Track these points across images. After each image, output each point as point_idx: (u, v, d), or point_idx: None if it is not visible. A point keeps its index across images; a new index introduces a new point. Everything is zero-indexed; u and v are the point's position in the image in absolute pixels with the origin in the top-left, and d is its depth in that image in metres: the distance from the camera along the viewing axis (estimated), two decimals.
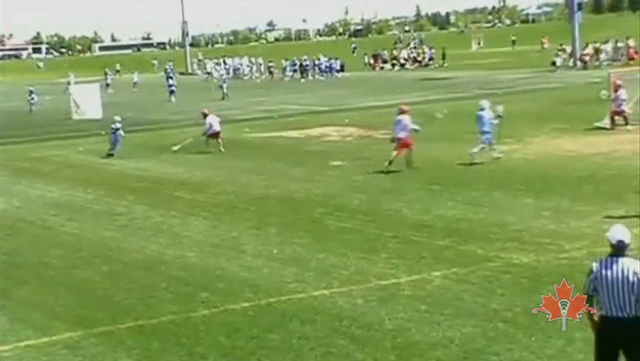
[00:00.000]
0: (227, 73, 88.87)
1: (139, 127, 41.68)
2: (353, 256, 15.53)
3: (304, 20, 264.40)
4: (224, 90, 59.46)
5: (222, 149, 30.83)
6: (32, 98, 56.92)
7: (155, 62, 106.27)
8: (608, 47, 68.82)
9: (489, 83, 56.31)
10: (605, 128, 29.78)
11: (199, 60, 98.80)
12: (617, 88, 30.41)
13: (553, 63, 66.96)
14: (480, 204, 19.31)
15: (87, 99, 50.30)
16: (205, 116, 31.97)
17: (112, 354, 11.57)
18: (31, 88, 57.48)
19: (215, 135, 31.29)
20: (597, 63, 64.91)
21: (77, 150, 34.44)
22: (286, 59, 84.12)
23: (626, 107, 29.97)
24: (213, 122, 31.52)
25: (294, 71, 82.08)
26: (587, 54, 66.86)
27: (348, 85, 65.63)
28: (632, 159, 23.64)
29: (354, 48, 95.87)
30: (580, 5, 68.34)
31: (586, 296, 8.71)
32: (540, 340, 10.84)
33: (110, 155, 31.64)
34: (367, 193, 21.34)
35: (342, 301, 13.02)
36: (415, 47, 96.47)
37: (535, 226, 16.84)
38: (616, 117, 30.11)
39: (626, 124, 29.63)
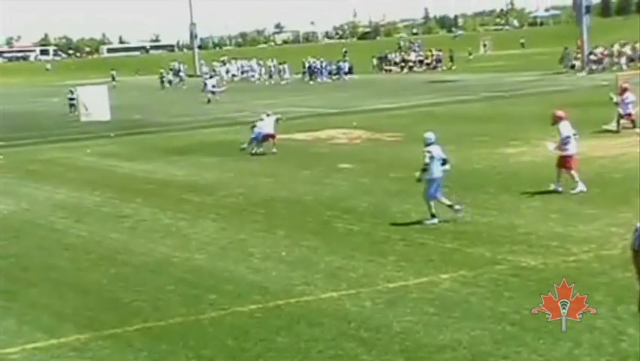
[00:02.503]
0: (235, 75, 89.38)
1: (147, 129, 41.90)
2: (361, 259, 15.54)
3: (312, 22, 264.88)
4: (210, 95, 59.83)
5: (274, 150, 30.57)
6: (73, 99, 56.94)
7: (181, 65, 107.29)
8: (627, 49, 67.78)
9: (497, 86, 56.29)
10: (612, 131, 29.75)
11: (223, 62, 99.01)
12: (623, 91, 30.37)
13: (572, 66, 66.42)
14: (488, 207, 19.30)
15: (95, 101, 50.36)
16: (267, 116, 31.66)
17: (120, 356, 11.59)
18: (71, 88, 57.79)
19: (270, 137, 30.95)
20: (610, 66, 64.02)
21: (85, 152, 34.53)
22: (281, 63, 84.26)
23: (634, 110, 29.89)
24: (263, 125, 31.03)
25: (296, 74, 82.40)
26: (604, 55, 66.28)
27: (356, 87, 65.65)
28: None
29: (345, 52, 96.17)
30: (588, 8, 68.15)
31: (633, 251, 9.73)
32: (548, 343, 10.82)
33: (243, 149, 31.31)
34: (375, 196, 21.35)
35: (350, 304, 13.02)
36: (415, 51, 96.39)
37: (543, 229, 16.83)
38: (622, 120, 30.06)
39: (634, 127, 29.55)
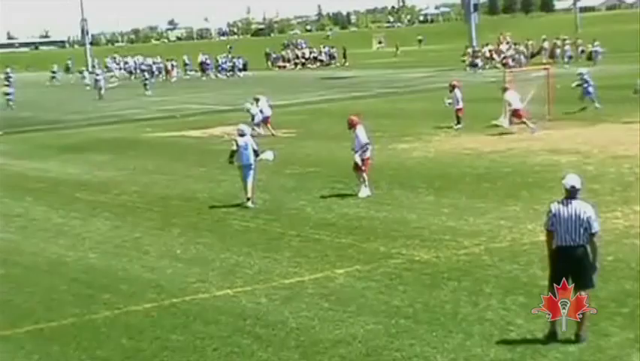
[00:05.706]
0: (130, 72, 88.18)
1: (38, 127, 41.05)
2: (256, 256, 15.57)
3: (206, 19, 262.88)
4: (102, 91, 59.75)
5: (274, 133, 32.25)
6: (98, 81, 60.98)
7: (69, 62, 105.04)
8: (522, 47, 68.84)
9: (391, 82, 56.93)
10: (499, 126, 30.48)
11: (114, 57, 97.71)
12: (452, 88, 31.65)
13: (474, 65, 66.68)
14: (382, 202, 19.54)
15: None
16: (257, 101, 33.02)
17: (10, 359, 11.36)
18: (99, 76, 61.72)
19: (265, 121, 32.25)
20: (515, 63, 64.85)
21: None
22: (169, 60, 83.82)
23: (461, 105, 31.40)
24: (264, 106, 32.54)
25: (192, 70, 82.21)
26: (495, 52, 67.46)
27: (250, 84, 65.47)
28: (526, 156, 24.30)
29: (230, 48, 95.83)
30: (476, 6, 69.59)
31: (547, 231, 10.60)
32: (440, 335, 11.04)
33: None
34: (270, 192, 21.38)
35: (245, 301, 13.04)
36: (309, 47, 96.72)
37: (436, 223, 17.13)
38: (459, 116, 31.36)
39: (458, 122, 30.91)
